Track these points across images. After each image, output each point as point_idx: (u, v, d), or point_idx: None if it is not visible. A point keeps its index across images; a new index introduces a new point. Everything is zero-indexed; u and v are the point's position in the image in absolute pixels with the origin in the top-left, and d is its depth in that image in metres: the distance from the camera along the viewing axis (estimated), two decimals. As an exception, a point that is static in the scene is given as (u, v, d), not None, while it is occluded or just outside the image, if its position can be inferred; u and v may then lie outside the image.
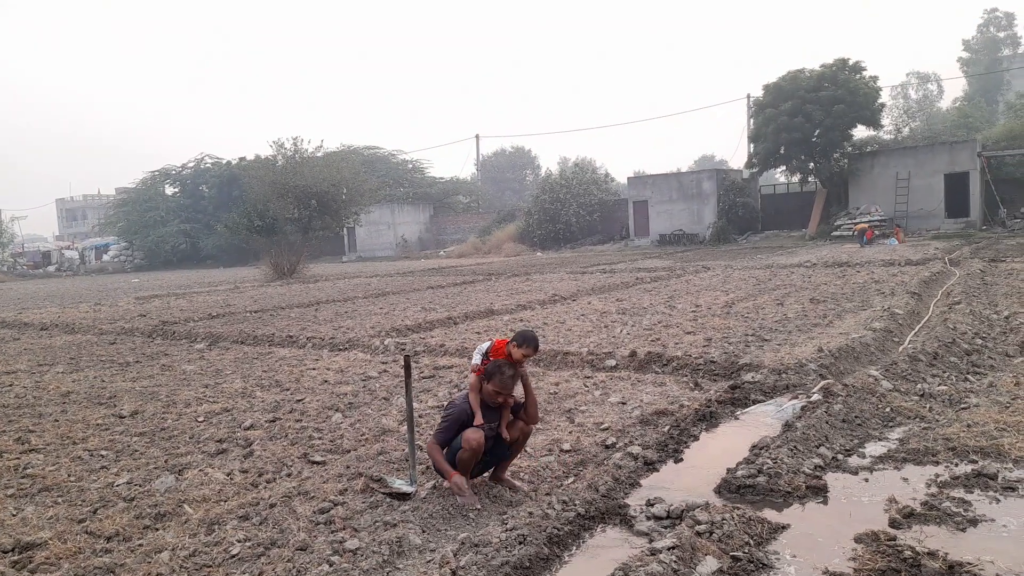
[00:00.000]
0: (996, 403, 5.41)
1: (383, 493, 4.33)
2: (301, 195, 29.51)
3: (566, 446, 5.10)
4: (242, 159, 50.27)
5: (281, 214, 30.06)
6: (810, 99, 31.08)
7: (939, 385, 6.15)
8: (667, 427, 5.37)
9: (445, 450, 4.29)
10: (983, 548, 3.30)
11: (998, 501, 3.80)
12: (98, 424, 6.34)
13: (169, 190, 56.55)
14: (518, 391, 4.40)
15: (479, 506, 4.13)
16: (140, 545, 3.76)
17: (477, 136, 76.38)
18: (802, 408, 5.52)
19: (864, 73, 31.68)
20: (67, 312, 17.39)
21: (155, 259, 51.26)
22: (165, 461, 5.17)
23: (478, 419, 4.19)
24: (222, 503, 4.31)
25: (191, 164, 55.45)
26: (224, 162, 54.12)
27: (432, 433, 4.54)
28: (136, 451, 5.48)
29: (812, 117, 31.13)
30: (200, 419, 6.35)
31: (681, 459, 4.88)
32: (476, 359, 4.35)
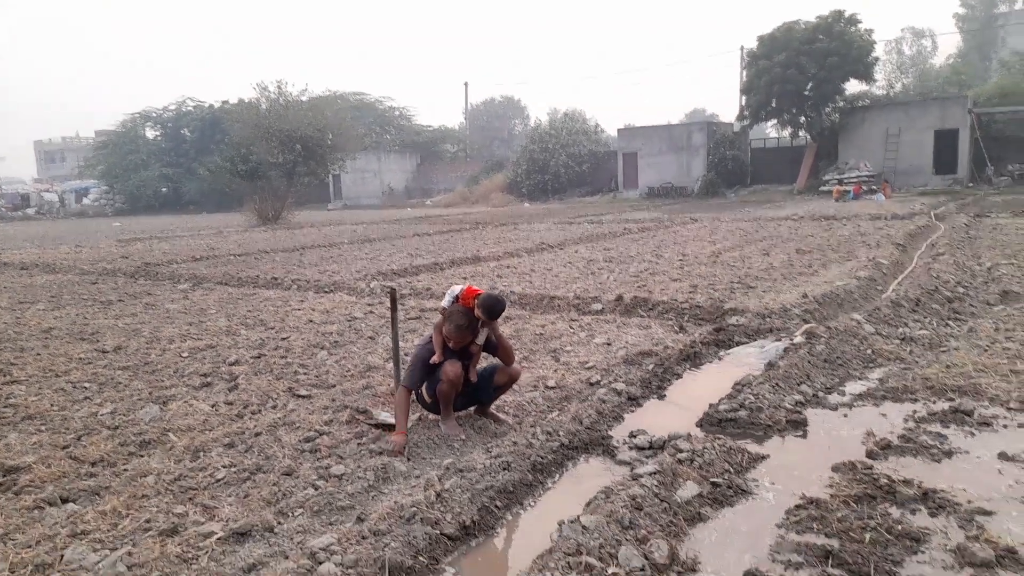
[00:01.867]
0: (975, 347, 5.49)
1: (369, 424, 4.36)
2: (285, 139, 28.99)
3: (551, 383, 5.14)
4: (225, 102, 49.09)
5: (265, 158, 29.57)
6: (804, 51, 30.73)
7: (920, 330, 6.23)
8: (651, 366, 5.41)
9: (422, 384, 4.26)
10: (957, 477, 3.38)
11: (973, 435, 3.88)
12: (80, 358, 6.30)
13: (150, 133, 55.31)
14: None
15: (463, 437, 4.17)
16: (125, 470, 3.77)
17: (466, 84, 75.43)
18: (785, 349, 5.58)
19: (859, 26, 31.31)
20: (47, 253, 17.15)
21: (136, 203, 50.43)
22: (149, 393, 5.16)
23: (437, 356, 4.15)
24: (207, 432, 4.31)
25: (172, 107, 54.14)
26: (207, 105, 52.88)
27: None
28: (120, 383, 5.45)
29: (805, 70, 30.83)
30: (184, 354, 6.32)
31: (664, 396, 4.94)
32: (446, 300, 4.27)
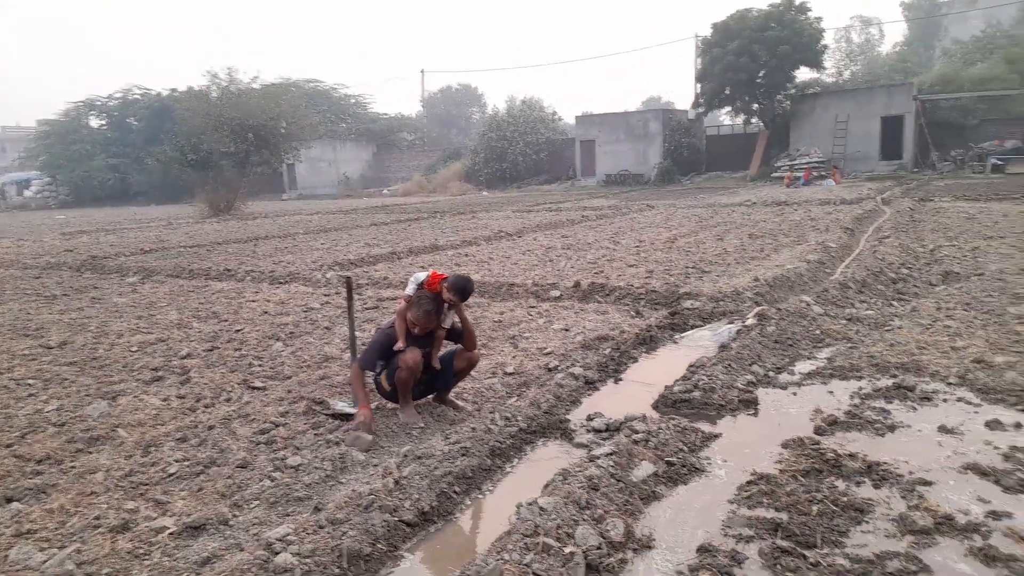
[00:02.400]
0: (918, 325, 5.69)
1: (326, 415, 4.32)
2: (237, 128, 28.31)
3: (510, 369, 5.16)
4: (173, 90, 47.70)
5: (216, 148, 28.86)
6: (756, 39, 31.19)
7: (866, 310, 6.43)
8: (608, 350, 5.48)
9: (382, 373, 4.26)
10: (899, 450, 3.50)
11: (915, 410, 4.03)
12: (24, 355, 6.09)
13: (95, 122, 53.43)
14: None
15: (422, 424, 4.17)
16: (73, 467, 3.68)
17: (422, 71, 74.77)
18: (737, 332, 5.70)
19: (809, 14, 31.91)
20: (-13, 247, 16.50)
21: (82, 195, 48.75)
22: (97, 389, 5.02)
23: (400, 343, 4.14)
24: (159, 427, 4.22)
25: (118, 95, 52.35)
26: (154, 93, 51.27)
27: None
28: (66, 380, 5.30)
29: (758, 57, 31.32)
30: (134, 349, 6.17)
31: (621, 379, 5.01)
32: (410, 287, 4.25)
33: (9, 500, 3.30)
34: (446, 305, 4.21)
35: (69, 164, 49.15)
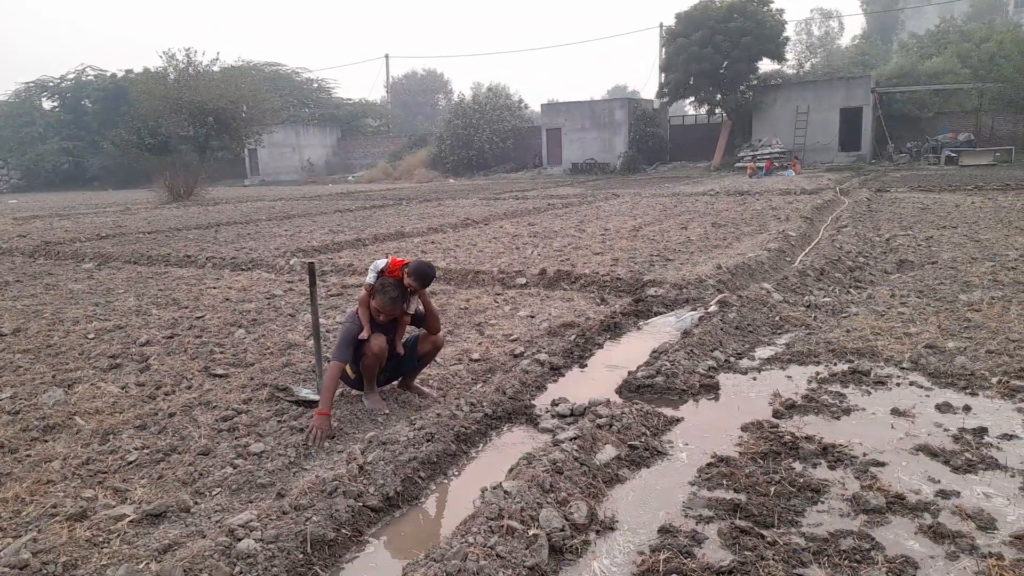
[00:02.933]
0: (873, 312, 5.85)
1: (289, 401, 4.28)
2: (196, 112, 27.71)
3: (475, 355, 5.17)
4: (129, 71, 46.47)
5: (175, 131, 28.23)
6: (720, 30, 31.51)
7: (824, 297, 6.58)
8: (573, 337, 5.52)
9: (346, 361, 4.21)
10: (854, 432, 3.61)
11: (869, 394, 4.15)
12: (-25, 342, 5.91)
13: (47, 104, 51.79)
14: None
15: (387, 411, 4.16)
16: (28, 455, 3.59)
17: (387, 56, 73.58)
18: (700, 318, 5.79)
19: (771, 6, 32.31)
20: (-67, 232, 15.92)
21: (34, 179, 47.26)
22: (53, 377, 4.90)
23: (365, 332, 4.11)
24: (117, 415, 4.14)
25: (71, 76, 50.80)
26: (109, 74, 49.88)
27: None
28: (20, 367, 5.16)
29: (721, 48, 31.64)
30: (90, 336, 6.03)
31: (586, 365, 5.06)
32: (371, 276, 4.20)
33: (-40, 490, 3.21)
34: (410, 291, 4.20)
35: (20, 147, 47.61)
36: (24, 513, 2.99)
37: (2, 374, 5.00)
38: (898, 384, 4.27)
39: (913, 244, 9.18)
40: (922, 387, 4.21)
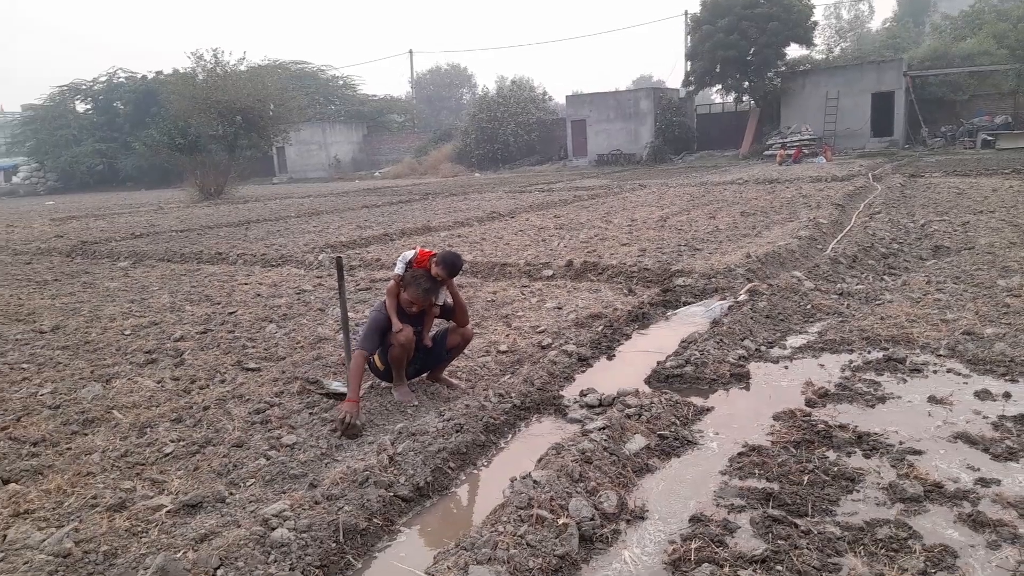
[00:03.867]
0: (908, 298, 5.73)
1: (320, 394, 4.33)
2: (225, 111, 28.03)
3: (503, 347, 5.18)
4: (159, 73, 47.15)
5: (204, 131, 28.58)
6: (746, 16, 31.02)
7: (857, 284, 6.47)
8: (601, 328, 5.50)
9: (375, 352, 4.25)
10: (889, 420, 3.55)
11: (905, 381, 4.07)
12: (17, 339, 6.07)
13: (80, 107, 52.79)
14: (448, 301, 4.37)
15: (416, 402, 4.18)
16: (68, 448, 3.68)
17: (411, 52, 73.92)
18: (729, 307, 5.73)
19: (799, -10, 31.71)
20: (-25, 234, 16.37)
21: (70, 181, 48.28)
22: (91, 372, 5.02)
23: (395, 324, 4.13)
24: (153, 408, 4.23)
25: (103, 79, 51.68)
26: (139, 76, 50.68)
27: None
28: (60, 363, 5.29)
29: (748, 34, 31.16)
30: (127, 332, 6.16)
31: (614, 355, 5.04)
32: (399, 267, 4.23)
33: (6, 481, 3.31)
34: (439, 282, 4.22)
35: (56, 150, 48.63)
36: (66, 504, 3.07)
37: (43, 370, 5.13)
38: (935, 371, 4.18)
39: (949, 230, 8.97)
40: (960, 374, 4.12)
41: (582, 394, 4.13)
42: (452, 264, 4.15)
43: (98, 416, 4.12)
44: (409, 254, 4.26)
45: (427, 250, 4.27)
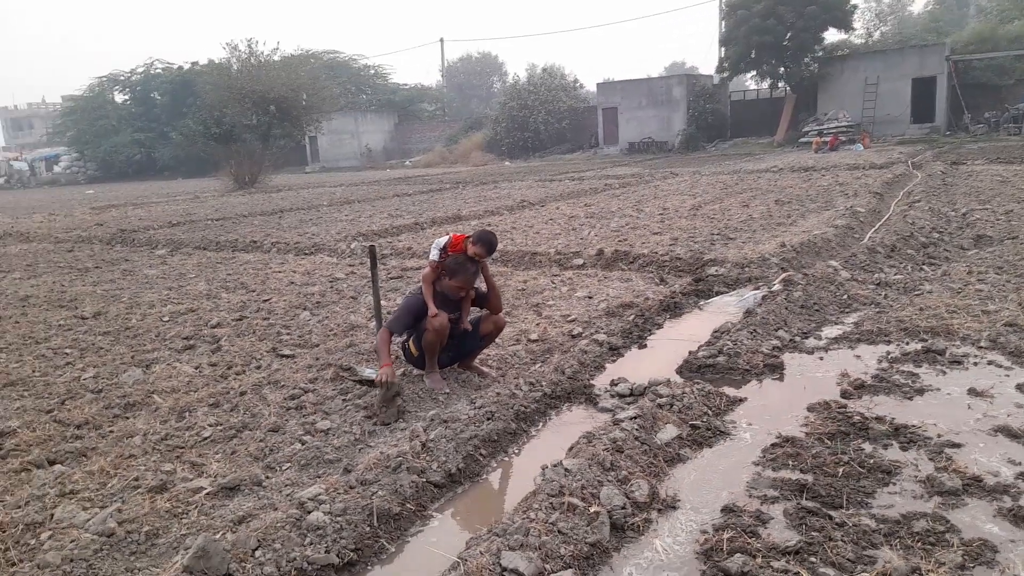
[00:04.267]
0: (948, 289, 5.60)
1: (353, 381, 4.39)
2: (259, 101, 28.39)
3: (533, 336, 5.19)
4: (194, 64, 47.86)
5: (239, 120, 28.97)
6: (782, 0, 30.36)
7: (895, 274, 6.34)
8: (632, 317, 5.48)
9: (409, 339, 4.30)
10: (927, 413, 3.48)
11: (944, 373, 3.99)
12: (60, 325, 6.25)
13: (119, 97, 53.81)
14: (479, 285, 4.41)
15: (447, 390, 4.21)
16: (111, 431, 3.79)
17: (442, 40, 73.98)
18: (763, 297, 5.66)
19: (838, -27, 30.94)
20: (20, 222, 16.84)
21: (109, 170, 49.35)
22: (132, 357, 5.15)
23: (432, 310, 4.15)
24: (192, 393, 4.33)
25: (140, 69, 52.57)
26: (175, 67, 51.46)
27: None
28: (101, 349, 5.43)
29: (784, 19, 30.51)
30: (165, 319, 6.30)
31: (645, 345, 5.01)
32: (434, 254, 4.26)
33: (52, 463, 3.42)
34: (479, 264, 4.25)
35: (96, 140, 49.70)
36: (109, 485, 3.16)
37: (85, 355, 5.28)
38: (975, 363, 4.09)
39: (991, 219, 8.73)
40: (1001, 367, 4.02)
41: (613, 383, 4.13)
42: (489, 242, 4.19)
43: (139, 400, 4.23)
44: (443, 240, 4.29)
45: (460, 234, 4.29)
